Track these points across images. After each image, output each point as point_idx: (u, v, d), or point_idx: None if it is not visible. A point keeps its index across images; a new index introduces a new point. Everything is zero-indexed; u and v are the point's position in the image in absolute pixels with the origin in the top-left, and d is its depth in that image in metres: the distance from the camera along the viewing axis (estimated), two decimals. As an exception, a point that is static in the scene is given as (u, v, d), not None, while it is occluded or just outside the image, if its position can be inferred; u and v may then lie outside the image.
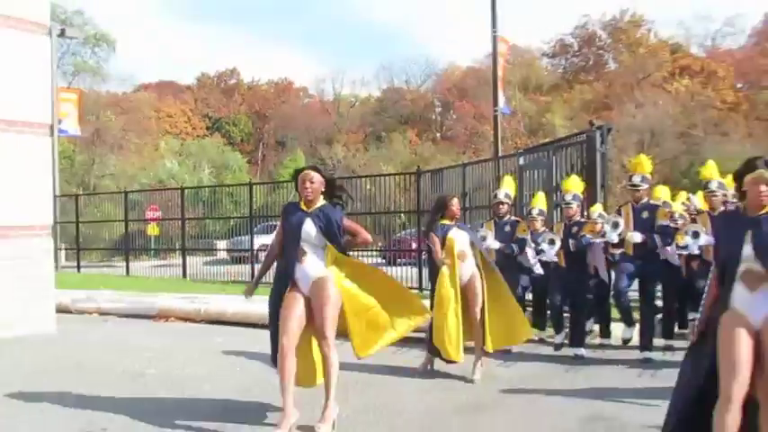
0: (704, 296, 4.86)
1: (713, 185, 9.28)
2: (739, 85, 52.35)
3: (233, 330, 11.26)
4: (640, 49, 55.51)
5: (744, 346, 4.26)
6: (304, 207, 6.08)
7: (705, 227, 8.74)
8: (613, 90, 50.92)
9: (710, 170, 9.56)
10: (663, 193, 10.47)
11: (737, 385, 4.18)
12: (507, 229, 9.81)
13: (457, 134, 58.68)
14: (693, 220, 9.26)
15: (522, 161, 13.89)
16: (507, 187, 10.26)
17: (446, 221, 8.24)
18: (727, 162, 25.91)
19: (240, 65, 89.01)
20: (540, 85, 57.70)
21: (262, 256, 21.46)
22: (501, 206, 10.00)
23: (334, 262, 6.06)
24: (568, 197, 9.68)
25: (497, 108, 18.42)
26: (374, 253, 19.99)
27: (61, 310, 12.44)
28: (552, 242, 9.38)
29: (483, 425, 6.35)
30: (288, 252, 6.09)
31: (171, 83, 71.74)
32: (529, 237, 9.76)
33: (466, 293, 8.12)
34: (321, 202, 6.10)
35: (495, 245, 9.54)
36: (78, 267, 24.89)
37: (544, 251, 9.42)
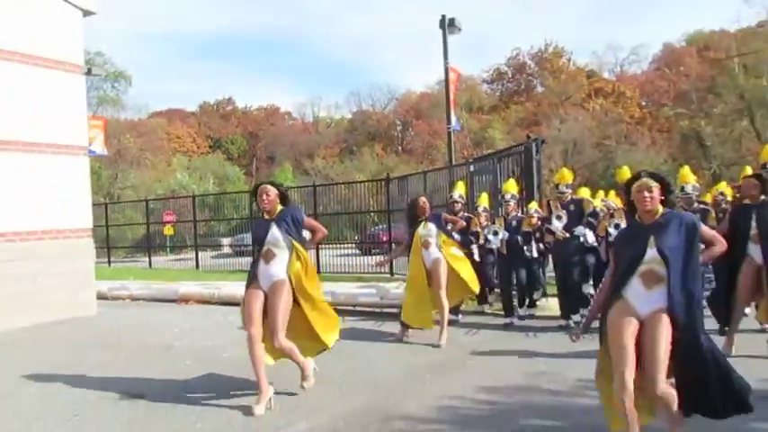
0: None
1: None
2: (644, 103, 52.90)
3: (242, 310, 11.34)
4: (562, 75, 55.84)
5: (630, 335, 4.12)
6: (267, 216, 5.96)
7: (623, 220, 9.00)
8: (541, 109, 51.16)
9: (626, 174, 9.89)
10: (585, 192, 10.74)
11: (628, 369, 4.04)
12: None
13: (415, 148, 58.55)
14: (612, 215, 9.51)
15: (472, 168, 13.98)
16: (460, 190, 10.47)
17: (420, 219, 8.48)
18: (637, 166, 26.39)
19: (235, 94, 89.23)
20: (482, 106, 57.68)
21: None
22: (455, 205, 10.17)
23: (299, 259, 5.90)
24: (507, 197, 9.88)
25: (450, 125, 18.47)
26: (351, 245, 20.14)
27: (100, 297, 12.44)
28: (496, 233, 9.50)
29: (450, 379, 6.51)
30: (254, 255, 6.03)
31: (178, 110, 71.02)
32: (479, 229, 10.01)
33: (431, 274, 8.32)
34: (280, 208, 5.96)
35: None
36: (109, 263, 24.73)
37: (490, 240, 9.58)
